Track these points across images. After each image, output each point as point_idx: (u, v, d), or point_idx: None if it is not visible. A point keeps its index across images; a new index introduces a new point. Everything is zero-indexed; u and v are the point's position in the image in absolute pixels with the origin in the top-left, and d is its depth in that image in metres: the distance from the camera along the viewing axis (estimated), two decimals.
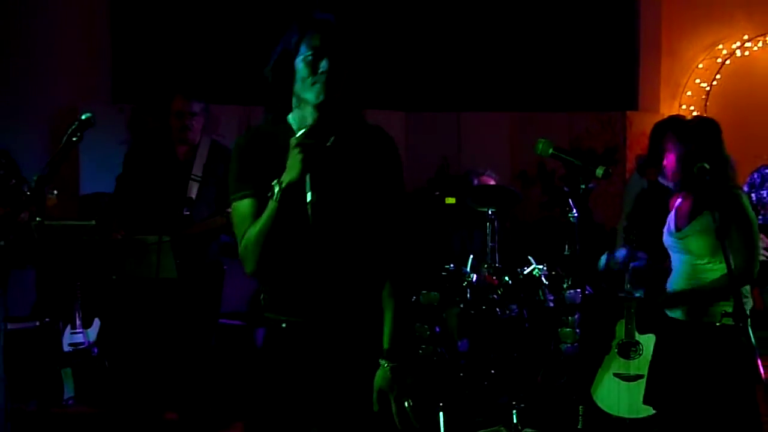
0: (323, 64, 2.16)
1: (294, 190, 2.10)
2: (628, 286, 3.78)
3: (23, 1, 5.66)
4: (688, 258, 3.20)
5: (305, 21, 2.21)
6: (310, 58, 2.17)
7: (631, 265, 3.69)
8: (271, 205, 2.12)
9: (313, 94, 2.18)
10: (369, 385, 2.24)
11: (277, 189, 2.10)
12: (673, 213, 3.29)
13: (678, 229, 3.22)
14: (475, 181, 5.20)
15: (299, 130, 2.14)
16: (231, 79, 5.93)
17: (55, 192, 3.52)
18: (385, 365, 2.22)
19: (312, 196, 2.08)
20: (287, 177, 2.10)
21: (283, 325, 2.23)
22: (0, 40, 5.59)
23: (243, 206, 2.20)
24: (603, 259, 3.96)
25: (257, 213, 2.17)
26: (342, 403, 2.23)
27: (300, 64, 2.19)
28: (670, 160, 3.22)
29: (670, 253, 3.29)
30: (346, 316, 2.23)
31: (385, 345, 2.24)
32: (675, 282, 3.26)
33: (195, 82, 4.87)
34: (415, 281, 4.60)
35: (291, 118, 2.27)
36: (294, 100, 2.25)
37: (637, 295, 3.80)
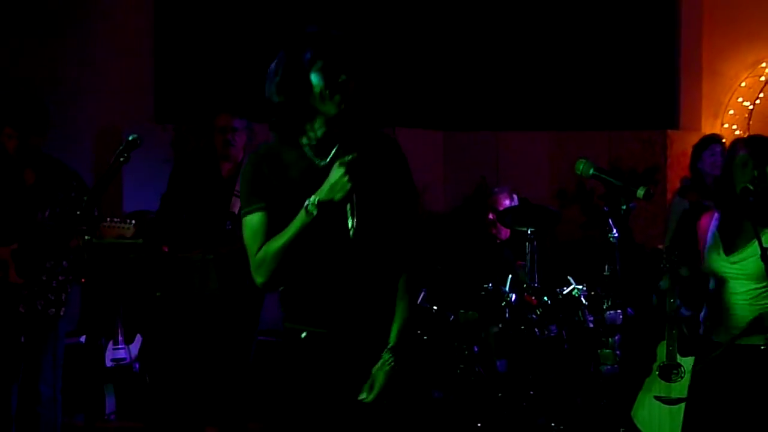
0: (342, 77, 2.23)
1: (329, 207, 2.17)
2: (677, 301, 3.69)
3: (66, 23, 5.80)
4: (744, 283, 3.12)
5: (317, 37, 2.27)
6: (329, 71, 2.23)
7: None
8: (302, 220, 2.18)
9: (333, 105, 2.24)
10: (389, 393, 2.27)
11: (312, 206, 2.16)
12: (715, 236, 3.21)
13: (729, 252, 3.15)
14: (490, 200, 5.15)
15: (308, 145, 2.27)
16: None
17: (133, 222, 3.55)
18: (387, 359, 2.25)
19: (352, 220, 2.19)
20: (329, 195, 2.16)
21: (303, 335, 2.27)
22: (44, 61, 5.73)
23: (255, 219, 2.27)
24: (654, 297, 3.91)
25: (268, 227, 2.24)
26: (360, 414, 2.25)
27: (316, 78, 2.23)
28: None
29: (718, 278, 3.21)
30: (368, 325, 2.28)
31: (392, 341, 2.27)
32: (734, 308, 3.17)
33: (238, 101, 4.95)
34: (451, 297, 4.62)
35: (299, 133, 2.31)
36: (302, 116, 2.28)
37: (684, 314, 3.71)
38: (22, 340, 3.66)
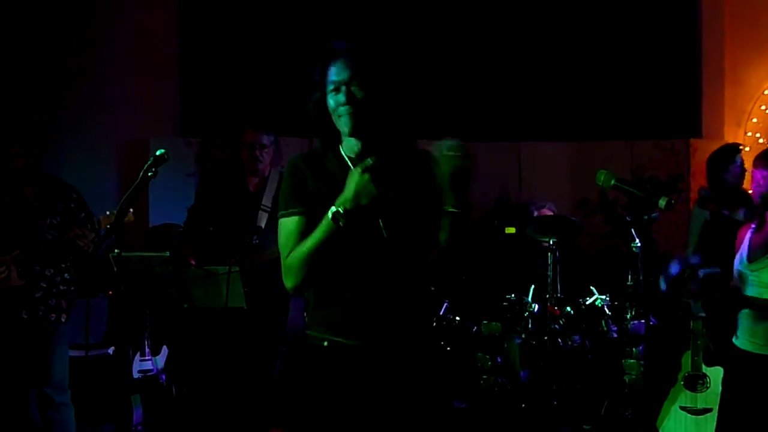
0: (343, 97, 2.23)
1: (357, 214, 2.16)
2: (698, 304, 3.65)
3: (92, 38, 5.90)
4: (759, 291, 3.13)
5: (324, 53, 2.28)
6: (332, 91, 2.25)
7: (702, 272, 3.54)
8: (327, 228, 2.17)
9: (342, 126, 2.26)
10: (412, 408, 2.26)
11: (340, 216, 2.15)
12: (746, 243, 3.23)
13: (751, 260, 3.17)
14: (535, 213, 5.21)
15: (348, 156, 2.27)
16: (295, 111, 6.06)
17: (131, 210, 3.66)
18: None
19: (383, 223, 2.16)
20: (355, 202, 2.15)
21: (325, 344, 2.27)
22: (71, 76, 5.84)
23: (291, 223, 2.27)
24: (674, 266, 3.87)
25: (304, 231, 2.24)
26: (385, 424, 2.25)
27: (328, 98, 2.26)
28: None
29: (741, 284, 3.23)
30: (393, 339, 2.26)
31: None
32: (746, 316, 3.19)
33: (261, 115, 5.00)
34: (474, 308, 4.62)
35: (342, 145, 2.33)
36: (334, 131, 2.31)
37: (700, 315, 3.67)
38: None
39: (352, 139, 2.28)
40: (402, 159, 2.30)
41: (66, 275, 3.91)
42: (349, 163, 2.28)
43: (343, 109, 2.23)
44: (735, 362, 3.26)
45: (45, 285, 3.84)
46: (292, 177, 2.31)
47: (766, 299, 3.12)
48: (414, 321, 2.29)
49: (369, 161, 2.15)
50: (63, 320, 3.87)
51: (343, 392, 2.25)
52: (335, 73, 2.24)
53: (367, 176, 2.14)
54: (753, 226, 3.26)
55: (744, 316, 3.21)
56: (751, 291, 3.19)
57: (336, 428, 2.24)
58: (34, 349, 3.81)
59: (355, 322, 2.25)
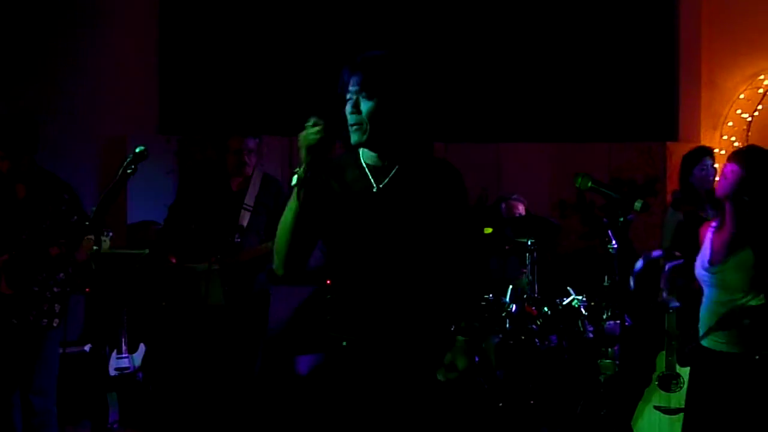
0: (354, 108, 2.28)
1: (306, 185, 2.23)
2: (665, 294, 3.70)
3: (72, 35, 5.87)
4: (721, 292, 3.17)
5: (348, 63, 2.32)
6: (348, 102, 2.31)
7: (668, 265, 3.60)
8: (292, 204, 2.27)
9: (353, 136, 2.31)
10: (422, 404, 2.31)
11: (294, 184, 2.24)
12: (707, 245, 3.26)
13: (713, 263, 3.20)
14: (503, 206, 5.22)
15: (367, 164, 2.33)
16: (274, 110, 6.07)
17: (111, 234, 3.61)
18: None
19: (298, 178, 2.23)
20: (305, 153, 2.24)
21: (344, 343, 2.33)
22: (50, 72, 5.80)
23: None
24: (639, 262, 3.92)
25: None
26: (396, 423, 2.29)
27: (346, 109, 2.32)
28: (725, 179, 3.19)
29: (703, 287, 3.27)
30: (401, 337, 2.30)
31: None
32: (709, 317, 3.23)
33: (241, 114, 4.99)
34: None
35: (360, 153, 2.38)
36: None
37: (673, 306, 3.72)
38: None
39: (366, 148, 2.33)
40: (418, 166, 2.34)
41: (61, 275, 3.70)
42: (367, 172, 2.33)
43: (353, 117, 2.29)
44: (700, 361, 3.30)
45: (38, 289, 3.64)
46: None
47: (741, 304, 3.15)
48: (428, 322, 2.32)
49: (311, 122, 2.22)
50: (55, 324, 3.69)
51: (359, 389, 2.30)
52: (353, 84, 2.29)
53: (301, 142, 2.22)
54: (713, 225, 3.28)
55: (708, 315, 3.25)
56: (713, 292, 3.22)
57: (352, 425, 2.30)
58: (21, 354, 3.63)
59: (370, 322, 2.29)
